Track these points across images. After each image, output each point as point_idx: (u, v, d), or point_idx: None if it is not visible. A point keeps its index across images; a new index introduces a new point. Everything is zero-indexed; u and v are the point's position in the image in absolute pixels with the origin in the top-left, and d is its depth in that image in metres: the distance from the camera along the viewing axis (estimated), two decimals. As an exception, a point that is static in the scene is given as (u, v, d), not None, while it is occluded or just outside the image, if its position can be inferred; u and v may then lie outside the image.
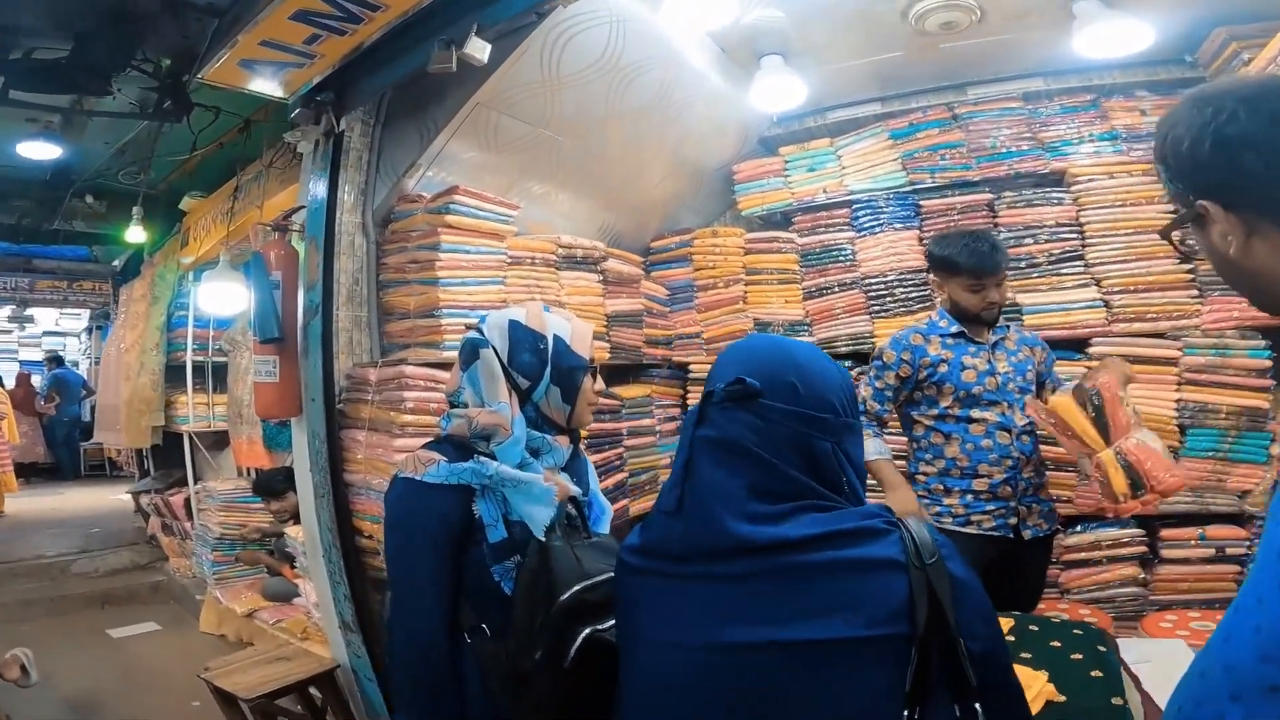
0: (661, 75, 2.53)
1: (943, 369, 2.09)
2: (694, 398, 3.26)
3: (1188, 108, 0.76)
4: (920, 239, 2.84)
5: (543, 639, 1.09)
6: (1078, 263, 2.61)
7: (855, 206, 2.97)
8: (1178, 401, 2.43)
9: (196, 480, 4.18)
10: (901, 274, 2.84)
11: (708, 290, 3.24)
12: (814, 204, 3.04)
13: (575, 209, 2.95)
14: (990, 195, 2.75)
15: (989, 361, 2.10)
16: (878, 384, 2.20)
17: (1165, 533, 2.42)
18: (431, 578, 1.19)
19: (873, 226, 2.92)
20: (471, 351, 1.28)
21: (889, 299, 2.87)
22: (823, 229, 3.03)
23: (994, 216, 2.74)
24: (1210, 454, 2.39)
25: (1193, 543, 2.37)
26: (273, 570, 3.45)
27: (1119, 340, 2.51)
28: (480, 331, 1.30)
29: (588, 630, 1.12)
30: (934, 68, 2.77)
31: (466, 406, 1.28)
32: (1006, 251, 2.14)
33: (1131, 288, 2.52)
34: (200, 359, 4.65)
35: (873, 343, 2.85)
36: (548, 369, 1.28)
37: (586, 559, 1.18)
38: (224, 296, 3.45)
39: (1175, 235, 0.84)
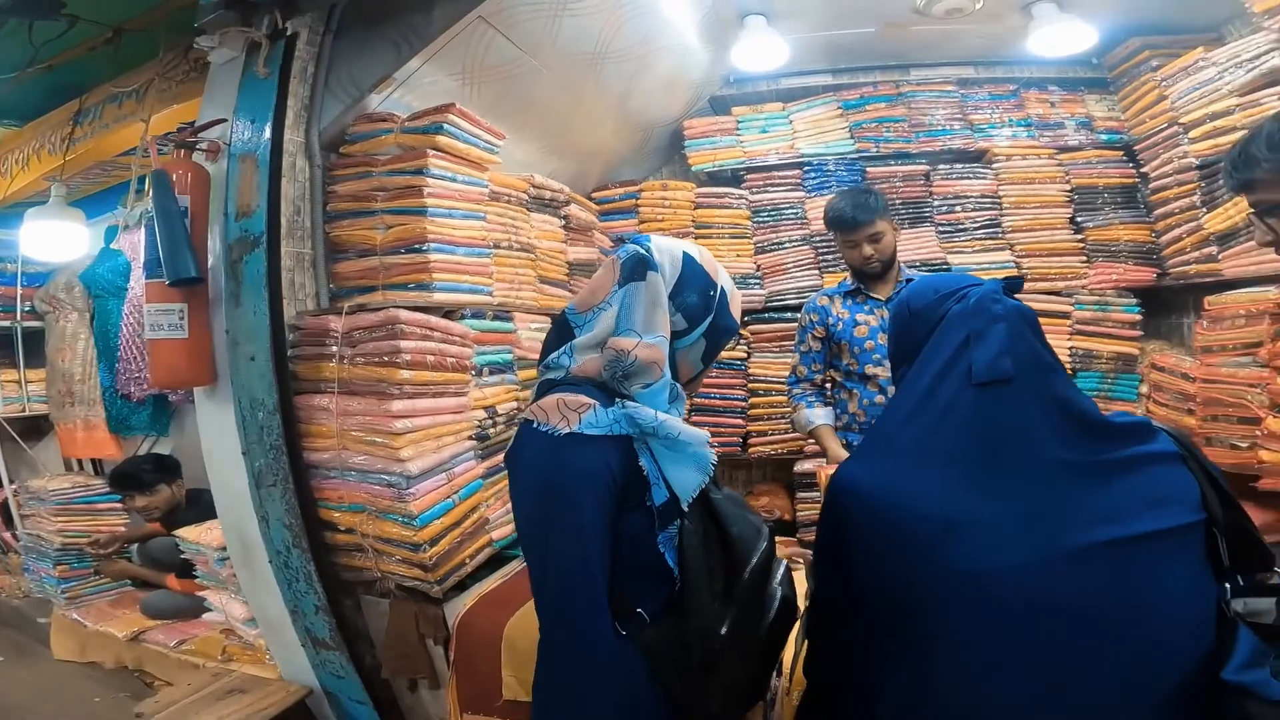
0: (648, 22, 2.40)
1: (839, 327, 2.21)
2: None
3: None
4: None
5: (730, 610, 0.97)
6: (996, 229, 2.96)
7: (806, 168, 3.08)
8: (1070, 348, 2.87)
9: (11, 480, 3.20)
10: (849, 233, 3.01)
11: (656, 244, 3.17)
12: (767, 163, 3.10)
13: (527, 151, 2.71)
14: (927, 167, 3.02)
15: (880, 319, 2.18)
16: (802, 349, 2.31)
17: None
18: (599, 554, 0.93)
19: (821, 188, 3.05)
20: (638, 267, 1.04)
21: (837, 254, 3.02)
22: (774, 187, 3.11)
23: (929, 186, 3.01)
24: (1095, 393, 2.86)
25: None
26: (147, 582, 2.77)
27: (1024, 295, 2.89)
28: (642, 248, 1.07)
29: (781, 592, 1.04)
30: (885, 48, 2.95)
31: (582, 333, 1.06)
32: (875, 208, 2.12)
33: (1036, 253, 2.92)
34: (4, 324, 3.52)
35: (822, 297, 3.00)
36: (709, 318, 1.10)
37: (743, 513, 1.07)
38: (58, 240, 2.64)
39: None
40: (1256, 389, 2.27)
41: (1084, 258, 2.90)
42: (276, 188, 1.79)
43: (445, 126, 1.95)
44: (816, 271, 3.05)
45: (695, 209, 3.15)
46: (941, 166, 3.01)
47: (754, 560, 1.01)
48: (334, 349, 1.80)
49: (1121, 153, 2.92)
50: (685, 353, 1.10)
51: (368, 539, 1.73)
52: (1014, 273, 2.92)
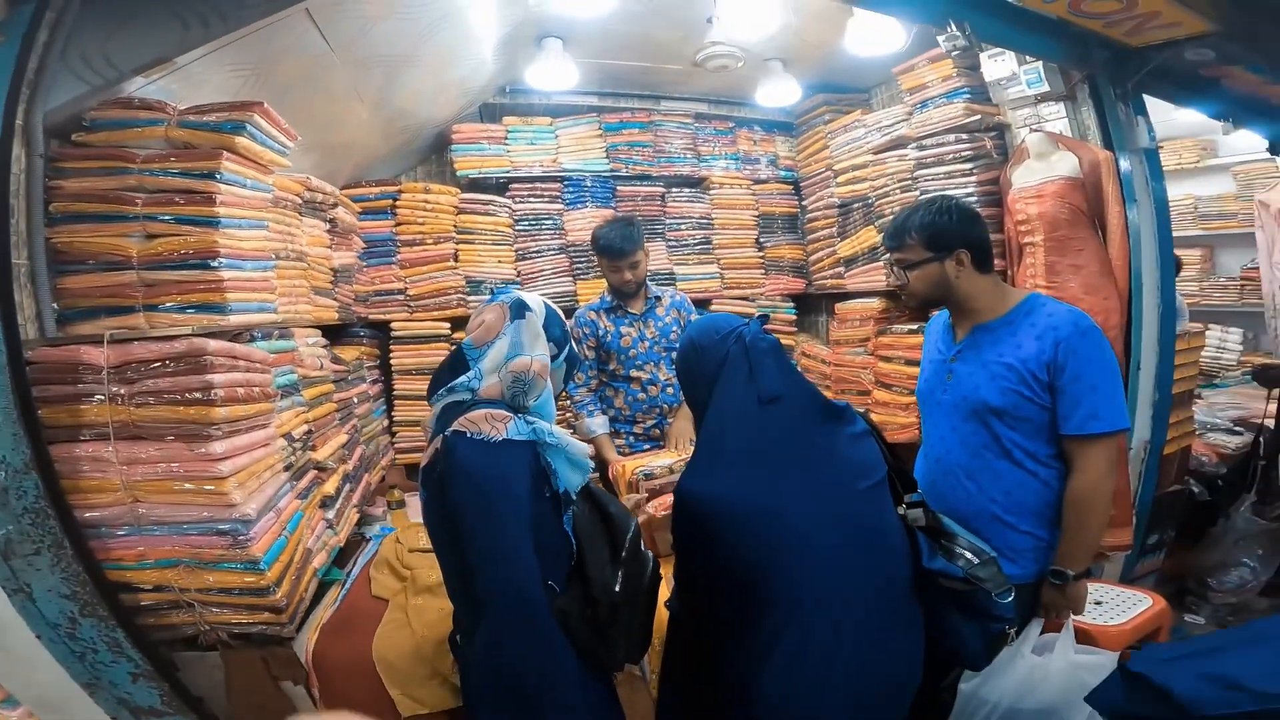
0: (456, 34, 2.37)
1: (608, 339, 2.69)
2: (397, 358, 3.10)
3: (929, 203, 1.67)
4: (614, 216, 3.42)
5: (619, 570, 1.27)
6: (708, 246, 3.67)
7: (566, 183, 3.36)
8: (755, 342, 3.77)
9: None
10: (599, 245, 3.39)
11: (413, 246, 3.10)
12: (531, 175, 3.28)
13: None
14: (663, 189, 3.57)
15: (640, 330, 2.67)
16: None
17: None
18: (528, 536, 1.14)
19: (577, 202, 3.36)
20: (521, 308, 1.35)
21: (587, 264, 3.38)
22: (536, 198, 3.31)
23: (664, 206, 3.57)
24: (771, 374, 3.81)
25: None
26: None
27: (725, 300, 3.68)
28: (518, 298, 1.36)
29: (650, 554, 1.38)
30: (644, 78, 3.38)
31: (482, 362, 1.30)
32: (637, 239, 2.51)
33: (734, 266, 3.72)
34: None
35: (575, 300, 3.33)
36: (568, 346, 1.43)
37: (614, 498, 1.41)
38: None
39: (902, 269, 1.74)
40: (866, 371, 3.37)
41: (763, 271, 3.80)
42: (4, 184, 1.34)
43: (248, 127, 1.67)
44: (570, 278, 3.36)
45: (458, 214, 3.15)
46: (674, 189, 3.61)
47: (630, 530, 1.33)
48: (98, 387, 1.46)
49: (791, 187, 3.89)
50: (555, 374, 1.41)
51: (188, 593, 1.51)
52: (719, 284, 3.67)
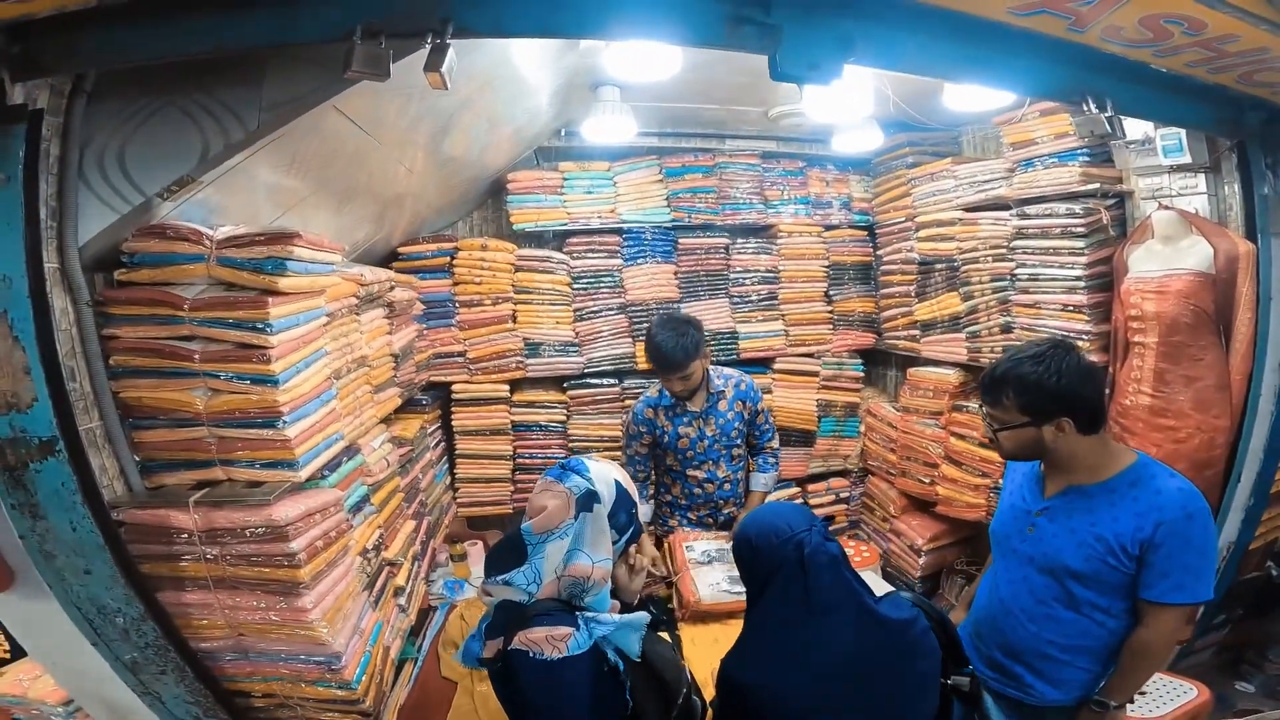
0: (508, 92, 2.21)
1: (665, 439, 2.59)
2: (459, 419, 3.06)
3: (1036, 357, 1.51)
4: (675, 272, 3.27)
5: None
6: (774, 301, 3.47)
7: (625, 235, 3.17)
8: (817, 400, 3.57)
9: None
10: (660, 303, 3.23)
11: (471, 307, 3.01)
12: (589, 227, 3.11)
13: (344, 221, 2.31)
14: (727, 240, 3.35)
15: (699, 429, 2.60)
16: (629, 452, 2.65)
17: (809, 487, 3.62)
18: None
19: (637, 256, 3.19)
20: (588, 501, 1.30)
21: (647, 324, 3.22)
22: (594, 253, 3.15)
23: (728, 259, 3.36)
24: (831, 434, 3.64)
25: (823, 492, 3.64)
26: None
27: (790, 358, 3.50)
28: (586, 479, 1.32)
29: (698, 701, 1.40)
30: (707, 115, 3.10)
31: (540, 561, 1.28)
32: (691, 353, 2.39)
33: (800, 322, 3.52)
34: None
35: (634, 362, 3.21)
36: (632, 528, 1.38)
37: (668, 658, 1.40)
38: None
39: (992, 427, 1.62)
40: (936, 444, 3.17)
41: (830, 327, 3.58)
42: (53, 357, 1.29)
43: (289, 265, 1.57)
44: (630, 339, 3.22)
45: (516, 271, 3.04)
46: (739, 240, 3.38)
47: (682, 694, 1.34)
48: (191, 548, 1.50)
49: (866, 232, 3.61)
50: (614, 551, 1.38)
51: (291, 700, 1.64)
52: (784, 341, 3.46)
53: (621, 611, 1.36)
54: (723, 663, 1.37)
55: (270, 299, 1.53)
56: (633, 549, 1.53)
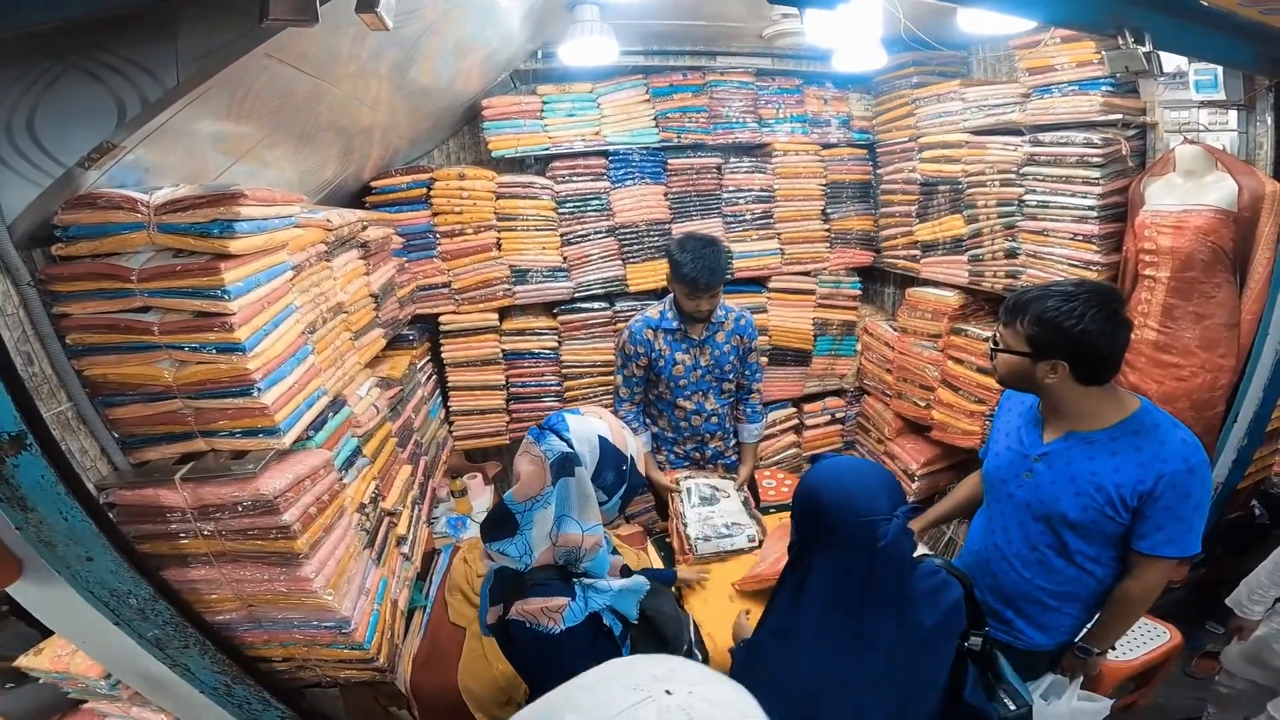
0: (474, 20, 1.99)
1: (661, 363, 2.53)
2: (449, 351, 3.02)
3: (1066, 295, 1.43)
4: (665, 193, 3.11)
5: None
6: (769, 220, 3.33)
7: (611, 157, 2.99)
8: (813, 319, 3.51)
9: None
10: (650, 224, 3.10)
11: (453, 237, 2.89)
12: (573, 150, 2.92)
13: (307, 163, 2.16)
14: (720, 160, 3.16)
15: (694, 358, 2.53)
16: (625, 373, 2.58)
17: (805, 407, 3.64)
18: None
19: (625, 178, 3.02)
20: (564, 465, 1.26)
21: (638, 246, 3.12)
22: (579, 176, 2.98)
23: (721, 179, 3.18)
24: (827, 353, 3.61)
25: (819, 412, 3.67)
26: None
27: (785, 277, 3.41)
28: (565, 440, 1.26)
29: (698, 655, 1.45)
30: (696, 31, 2.84)
31: (529, 531, 1.27)
32: (722, 272, 2.35)
33: (795, 240, 3.39)
34: None
35: (624, 285, 3.13)
36: (624, 487, 1.35)
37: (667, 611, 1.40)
38: None
39: (993, 345, 1.58)
40: (933, 367, 3.15)
41: (828, 244, 3.46)
42: (1, 348, 1.24)
43: (237, 226, 1.45)
44: (620, 262, 3.12)
45: (497, 199, 2.88)
46: (732, 159, 3.19)
47: (683, 651, 1.38)
48: (186, 525, 1.49)
49: (865, 151, 3.42)
50: (605, 513, 1.36)
51: (310, 661, 1.72)
52: (779, 260, 3.36)
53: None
54: (756, 634, 1.35)
55: (223, 263, 1.42)
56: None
